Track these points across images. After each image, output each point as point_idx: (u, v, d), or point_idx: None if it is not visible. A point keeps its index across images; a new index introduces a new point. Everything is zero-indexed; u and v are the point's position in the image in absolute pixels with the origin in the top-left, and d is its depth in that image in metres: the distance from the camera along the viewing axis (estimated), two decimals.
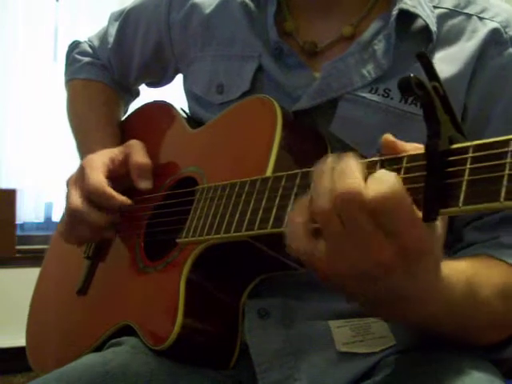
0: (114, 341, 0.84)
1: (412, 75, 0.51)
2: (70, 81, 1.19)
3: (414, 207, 0.51)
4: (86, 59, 1.18)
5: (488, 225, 0.80)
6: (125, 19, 1.14)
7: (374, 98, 0.82)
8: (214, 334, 0.80)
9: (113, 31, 1.15)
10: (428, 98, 0.51)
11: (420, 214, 0.51)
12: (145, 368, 0.76)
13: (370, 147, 0.75)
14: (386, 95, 0.82)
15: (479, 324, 0.72)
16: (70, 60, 1.21)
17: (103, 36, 1.18)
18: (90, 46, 1.20)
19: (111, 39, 1.15)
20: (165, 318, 0.77)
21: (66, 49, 1.24)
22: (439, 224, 0.54)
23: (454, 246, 0.82)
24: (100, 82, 1.16)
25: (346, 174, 0.52)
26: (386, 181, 0.51)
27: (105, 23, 1.23)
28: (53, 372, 0.76)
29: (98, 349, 0.86)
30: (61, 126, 2.71)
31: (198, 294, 0.78)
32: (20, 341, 1.09)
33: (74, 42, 1.23)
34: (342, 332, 0.78)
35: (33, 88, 2.78)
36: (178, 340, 0.75)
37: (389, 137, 0.56)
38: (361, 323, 0.78)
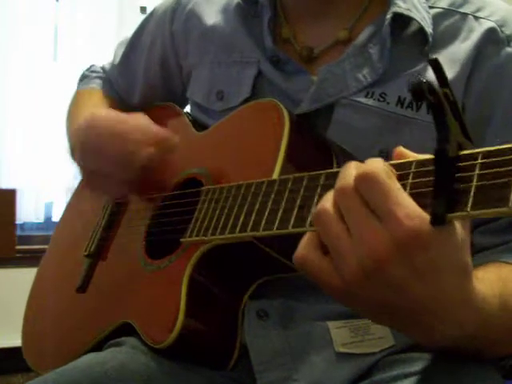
0: (113, 341, 0.84)
1: (424, 80, 0.51)
2: (76, 93, 1.20)
3: (408, 197, 0.51)
4: (95, 74, 1.20)
5: (499, 228, 0.79)
6: (132, 38, 1.15)
7: (370, 102, 0.82)
8: (214, 334, 0.80)
9: (121, 52, 1.17)
10: (439, 104, 0.52)
11: (409, 199, 0.51)
12: (143, 368, 0.76)
13: (366, 152, 0.74)
14: (381, 99, 0.82)
15: (508, 339, 0.69)
16: (81, 77, 1.23)
17: (113, 59, 1.19)
18: (102, 67, 1.22)
19: (118, 59, 1.17)
20: (166, 317, 0.77)
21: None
22: (458, 228, 0.53)
23: None
24: (102, 90, 1.16)
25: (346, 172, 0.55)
26: (370, 161, 0.53)
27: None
28: (51, 372, 0.76)
29: (98, 349, 0.86)
30: (61, 126, 2.71)
31: (199, 294, 0.78)
32: (20, 341, 1.09)
33: (90, 65, 1.26)
34: (340, 333, 0.78)
35: (33, 88, 2.78)
36: (178, 339, 0.75)
37: (401, 149, 0.57)
38: (360, 324, 0.78)
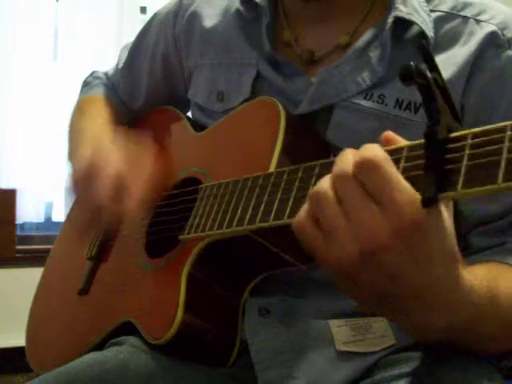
0: (113, 340, 0.84)
1: (413, 63, 0.52)
2: (79, 100, 1.20)
3: (407, 183, 0.52)
4: (97, 81, 1.20)
5: (496, 230, 0.79)
6: (135, 42, 1.15)
7: (369, 104, 0.82)
8: (213, 330, 0.80)
9: (125, 55, 1.17)
10: (428, 87, 0.52)
11: (408, 186, 0.52)
12: (144, 367, 0.76)
13: None
14: (380, 101, 0.82)
15: (500, 334, 0.70)
16: (84, 84, 1.23)
17: (117, 63, 1.19)
18: (104, 73, 1.22)
19: (122, 62, 1.17)
20: (165, 313, 0.78)
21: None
22: (445, 215, 0.54)
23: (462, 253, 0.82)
24: (104, 97, 1.15)
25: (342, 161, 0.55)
26: (367, 147, 0.54)
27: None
28: (52, 371, 0.76)
29: (99, 348, 0.86)
30: (61, 126, 2.71)
31: (198, 291, 0.79)
32: (20, 341, 1.09)
33: (92, 71, 1.25)
34: (342, 331, 0.78)
35: (33, 88, 2.78)
36: (176, 335, 0.75)
37: (389, 133, 0.58)
38: (361, 322, 0.78)
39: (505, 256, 0.76)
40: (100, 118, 1.08)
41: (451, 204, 0.56)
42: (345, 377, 0.76)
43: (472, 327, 0.64)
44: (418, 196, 0.52)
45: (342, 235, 0.53)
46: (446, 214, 0.54)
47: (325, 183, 0.55)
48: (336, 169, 0.55)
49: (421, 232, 0.52)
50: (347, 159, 0.54)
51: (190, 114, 1.07)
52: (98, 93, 1.17)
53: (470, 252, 0.80)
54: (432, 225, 0.53)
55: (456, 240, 0.57)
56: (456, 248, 0.57)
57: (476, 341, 0.67)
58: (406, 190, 0.52)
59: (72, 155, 1.00)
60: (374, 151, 0.53)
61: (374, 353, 0.77)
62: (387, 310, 0.60)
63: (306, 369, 0.76)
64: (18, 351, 1.12)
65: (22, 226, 2.90)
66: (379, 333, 0.78)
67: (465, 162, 0.50)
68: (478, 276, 0.64)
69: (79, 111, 1.14)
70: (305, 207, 0.57)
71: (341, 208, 0.54)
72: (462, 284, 0.59)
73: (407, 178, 0.53)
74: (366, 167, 0.53)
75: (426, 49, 0.54)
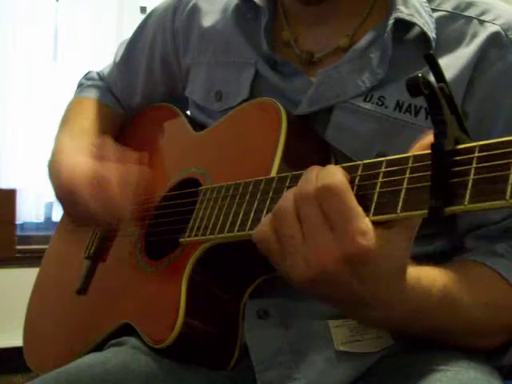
0: (114, 341, 0.84)
1: (420, 75, 0.52)
2: (71, 101, 1.19)
3: (362, 213, 0.55)
4: (90, 82, 1.19)
5: (491, 234, 0.79)
6: (133, 37, 1.15)
7: (368, 106, 0.81)
8: (214, 334, 0.80)
9: (122, 50, 1.16)
10: (435, 98, 0.52)
11: (361, 212, 0.55)
12: (144, 368, 0.76)
13: (365, 155, 0.74)
14: (380, 103, 0.81)
15: (455, 329, 0.74)
16: (78, 85, 1.22)
17: (114, 58, 1.19)
18: (98, 73, 1.21)
19: (119, 57, 1.16)
20: (165, 317, 0.78)
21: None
22: (399, 241, 0.57)
23: (453, 254, 0.82)
24: (95, 100, 1.14)
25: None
26: (328, 172, 0.57)
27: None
28: (52, 372, 0.76)
29: (99, 349, 0.86)
30: None
31: (199, 294, 0.78)
32: (20, 341, 1.09)
33: (87, 72, 1.24)
34: (340, 331, 0.78)
35: (33, 87, 2.78)
36: (178, 339, 0.75)
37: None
38: (358, 323, 0.78)
39: (486, 257, 0.77)
40: (83, 132, 1.07)
41: (411, 224, 0.58)
42: (344, 377, 0.76)
43: (413, 318, 0.68)
44: (369, 227, 0.55)
45: (296, 253, 0.58)
46: (402, 236, 0.57)
47: (288, 200, 0.59)
48: (300, 188, 0.58)
49: (369, 260, 0.56)
50: (311, 179, 0.57)
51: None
52: (90, 95, 1.15)
53: (461, 253, 0.81)
54: (383, 255, 0.56)
55: (409, 259, 0.61)
56: (405, 263, 0.61)
57: (423, 332, 0.73)
58: (358, 220, 0.55)
59: (51, 169, 1.07)
60: (334, 178, 0.56)
61: (372, 353, 0.77)
62: (334, 304, 0.66)
63: (305, 369, 0.76)
64: (17, 351, 1.12)
65: (22, 225, 2.90)
66: (377, 333, 0.78)
67: (472, 175, 0.50)
68: (429, 277, 0.68)
69: (67, 115, 1.13)
70: (268, 219, 0.61)
71: (299, 226, 0.57)
72: (404, 295, 0.63)
73: (412, 189, 0.53)
74: (325, 193, 0.56)
75: (432, 58, 0.54)
